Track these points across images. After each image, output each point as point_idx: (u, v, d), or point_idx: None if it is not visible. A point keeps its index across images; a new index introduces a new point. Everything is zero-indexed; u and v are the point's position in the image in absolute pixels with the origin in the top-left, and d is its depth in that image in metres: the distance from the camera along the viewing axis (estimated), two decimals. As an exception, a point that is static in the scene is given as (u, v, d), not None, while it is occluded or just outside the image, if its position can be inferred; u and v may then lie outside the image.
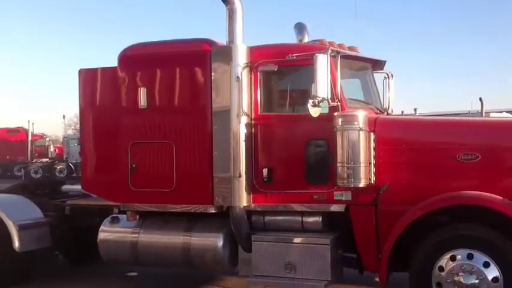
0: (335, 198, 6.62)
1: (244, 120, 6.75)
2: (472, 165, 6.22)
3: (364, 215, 6.50)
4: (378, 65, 7.77)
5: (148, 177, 7.20)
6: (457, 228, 5.99)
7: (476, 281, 5.71)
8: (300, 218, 6.82)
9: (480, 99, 26.47)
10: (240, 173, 6.69)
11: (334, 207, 6.63)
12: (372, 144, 6.44)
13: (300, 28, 8.41)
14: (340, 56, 6.69)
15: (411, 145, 6.54)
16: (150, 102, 7.15)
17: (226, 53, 6.77)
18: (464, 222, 6.04)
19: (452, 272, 5.81)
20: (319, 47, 6.59)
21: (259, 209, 6.93)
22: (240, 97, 6.70)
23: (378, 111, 7.22)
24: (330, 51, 6.23)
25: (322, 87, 6.12)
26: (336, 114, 6.33)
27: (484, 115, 25.42)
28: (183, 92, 7.11)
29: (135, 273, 8.89)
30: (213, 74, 6.82)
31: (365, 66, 7.57)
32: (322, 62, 6.10)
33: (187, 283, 8.07)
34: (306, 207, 6.75)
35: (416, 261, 6.01)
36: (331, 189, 6.58)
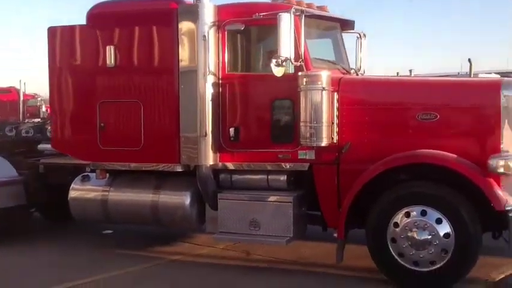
0: (299, 157, 6.75)
1: (211, 79, 6.83)
2: (431, 124, 6.33)
3: (327, 173, 6.64)
4: (347, 25, 7.81)
5: (116, 136, 7.33)
6: (411, 186, 6.16)
7: (429, 237, 5.89)
8: (265, 177, 6.97)
9: (469, 60, 26.41)
10: (206, 133, 6.80)
11: (298, 166, 6.79)
12: (336, 104, 6.55)
13: None
14: (307, 16, 6.73)
15: (373, 105, 6.64)
16: (117, 61, 7.21)
17: (192, 11, 6.80)
18: (422, 180, 6.21)
19: (406, 228, 5.99)
20: (285, 5, 6.62)
21: (226, 168, 7.09)
22: (206, 56, 6.75)
23: (345, 71, 7.28)
24: (293, 10, 6.25)
25: (285, 46, 6.17)
26: (300, 74, 6.41)
27: (472, 76, 25.54)
28: (150, 51, 7.16)
29: (110, 231, 9.10)
30: (179, 32, 6.86)
31: (333, 26, 7.61)
32: (285, 22, 6.14)
33: (159, 240, 8.26)
34: (271, 166, 6.90)
35: (372, 218, 6.19)
36: (296, 148, 6.72)
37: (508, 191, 6.01)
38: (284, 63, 6.29)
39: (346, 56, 7.78)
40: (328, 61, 7.30)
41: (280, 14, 6.16)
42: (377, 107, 6.63)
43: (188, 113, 6.88)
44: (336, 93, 6.54)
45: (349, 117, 6.60)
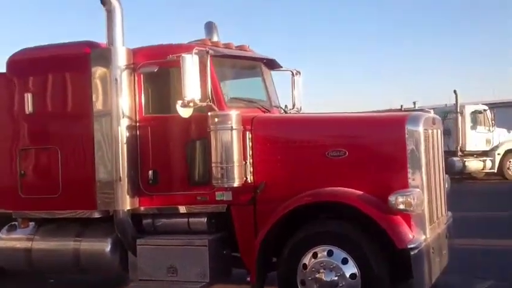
0: (217, 198, 6.84)
1: (125, 123, 6.96)
2: (340, 161, 6.44)
3: (244, 214, 6.72)
4: (271, 63, 8.02)
5: (36, 184, 7.45)
6: (319, 225, 6.22)
7: (335, 278, 5.92)
8: (186, 220, 7.06)
9: (454, 91, 26.86)
10: (120, 177, 6.92)
11: (216, 208, 6.88)
12: (249, 143, 6.70)
13: (209, 28, 8.63)
14: (218, 56, 6.96)
15: (285, 143, 6.76)
16: (35, 108, 7.38)
17: (105, 55, 6.97)
18: (335, 219, 6.30)
19: (313, 269, 6.03)
20: (191, 47, 6.79)
21: (147, 212, 7.19)
22: (118, 100, 6.92)
23: (265, 109, 7.44)
24: (195, 51, 6.43)
25: (189, 87, 6.34)
26: (209, 114, 6.56)
27: (458, 107, 25.86)
28: (66, 96, 7.36)
29: (52, 280, 9.11)
30: (92, 77, 7.04)
31: (255, 65, 7.80)
32: (187, 63, 6.31)
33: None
34: (189, 209, 7.00)
35: (282, 260, 6.24)
36: (213, 190, 6.83)
37: (419, 229, 6.13)
38: (190, 104, 6.46)
39: (273, 94, 7.97)
40: (248, 100, 7.47)
41: (183, 55, 6.34)
42: (289, 145, 6.75)
43: (102, 158, 6.99)
44: (249, 132, 6.70)
45: (262, 156, 6.72)
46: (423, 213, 6.20)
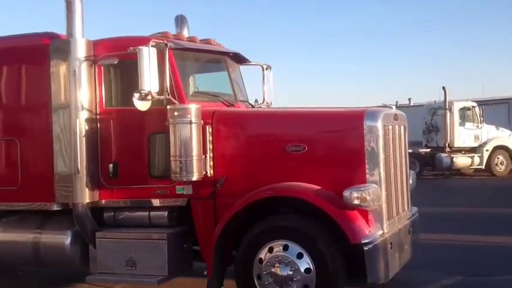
0: (177, 192, 6.84)
1: (84, 115, 6.93)
2: (300, 156, 6.46)
3: (204, 208, 6.73)
4: (238, 58, 8.03)
5: None
6: (272, 220, 6.24)
7: (290, 272, 5.94)
8: (147, 213, 7.08)
9: (443, 88, 26.95)
10: (78, 169, 6.92)
11: (176, 202, 6.89)
12: (209, 137, 6.71)
13: (179, 21, 8.57)
14: (182, 49, 6.96)
15: (246, 138, 6.79)
16: None
17: (64, 47, 6.94)
18: (291, 213, 6.33)
19: (269, 263, 6.05)
20: (148, 39, 6.78)
21: (108, 205, 7.19)
22: (77, 92, 6.91)
23: (229, 104, 7.43)
24: (151, 43, 6.41)
25: (145, 80, 6.33)
26: (168, 107, 6.56)
27: (447, 104, 25.94)
28: (25, 88, 7.33)
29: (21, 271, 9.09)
30: (51, 69, 7.01)
31: (218, 59, 7.80)
32: (144, 55, 6.30)
33: (68, 280, 8.28)
34: (150, 202, 7.00)
35: (239, 254, 6.27)
36: (173, 183, 6.84)
37: (376, 224, 6.16)
38: (148, 97, 6.46)
39: (239, 89, 7.98)
40: (212, 94, 7.47)
41: (139, 48, 6.32)
42: (249, 139, 6.77)
43: (60, 150, 6.98)
44: (209, 126, 6.71)
45: (223, 151, 6.73)
46: (381, 208, 6.23)
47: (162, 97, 6.52)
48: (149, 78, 6.32)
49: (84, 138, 6.96)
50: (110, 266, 6.94)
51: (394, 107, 6.92)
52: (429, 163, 26.15)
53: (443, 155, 25.54)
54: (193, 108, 6.52)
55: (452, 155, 25.48)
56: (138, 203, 7.06)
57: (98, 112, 7.11)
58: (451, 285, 7.71)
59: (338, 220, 5.86)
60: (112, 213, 7.21)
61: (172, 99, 6.61)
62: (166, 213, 6.97)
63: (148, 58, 6.32)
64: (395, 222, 6.61)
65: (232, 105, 7.46)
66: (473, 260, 9.18)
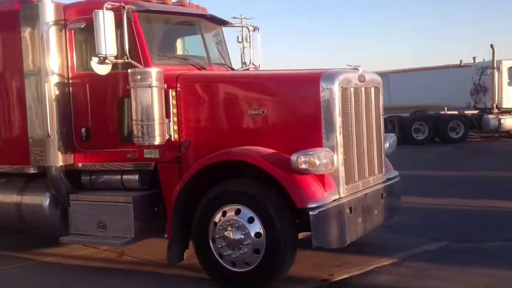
0: (145, 156, 7.05)
1: (55, 80, 7.20)
2: (259, 119, 6.53)
3: (170, 172, 6.91)
4: (216, 20, 8.07)
5: None
6: (226, 184, 6.35)
7: (242, 236, 6.07)
8: (119, 177, 7.35)
9: (491, 46, 25.88)
10: (48, 133, 7.21)
11: (144, 165, 7.11)
12: (172, 101, 6.84)
13: None
14: (147, 11, 7.07)
15: (209, 101, 6.85)
16: None
17: (32, 11, 7.18)
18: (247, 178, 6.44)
19: (221, 227, 6.20)
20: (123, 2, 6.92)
21: (84, 169, 7.49)
22: (45, 57, 7.15)
23: (200, 67, 7.51)
24: (106, 6, 6.48)
25: (101, 44, 6.45)
26: (129, 71, 6.68)
27: (495, 63, 24.97)
28: (1, 53, 7.66)
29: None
30: (22, 34, 7.29)
31: (191, 21, 7.85)
32: (99, 18, 6.40)
33: (44, 240, 8.70)
34: (120, 166, 7.26)
35: (195, 217, 6.43)
36: (141, 147, 7.04)
37: (331, 189, 6.19)
38: (106, 61, 6.62)
39: (214, 52, 8.04)
40: (182, 57, 7.57)
41: (95, 11, 6.45)
42: (212, 103, 6.85)
43: (33, 115, 7.32)
44: (172, 90, 6.83)
45: (187, 115, 6.86)
46: (337, 172, 6.24)
47: (121, 61, 6.66)
48: (104, 41, 6.45)
49: (55, 103, 7.24)
50: (83, 227, 7.27)
51: (360, 68, 6.79)
52: (475, 125, 25.43)
53: (490, 116, 24.79)
54: (153, 71, 6.64)
55: (500, 117, 24.70)
56: (110, 166, 7.32)
57: (70, 77, 7.35)
58: (433, 251, 7.65)
59: (284, 184, 5.92)
60: (88, 177, 7.51)
61: (134, 62, 6.74)
62: (137, 177, 7.20)
63: (103, 21, 6.43)
64: (358, 187, 6.60)
65: (204, 69, 7.53)
66: (468, 225, 9.06)
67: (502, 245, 7.81)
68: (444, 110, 26.04)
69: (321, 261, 7.13)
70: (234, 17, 68.21)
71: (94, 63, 6.65)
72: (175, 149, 6.89)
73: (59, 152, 7.31)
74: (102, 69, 6.70)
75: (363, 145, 6.75)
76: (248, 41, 8.81)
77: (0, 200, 7.96)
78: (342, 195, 6.26)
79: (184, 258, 6.75)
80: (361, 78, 6.73)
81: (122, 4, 6.66)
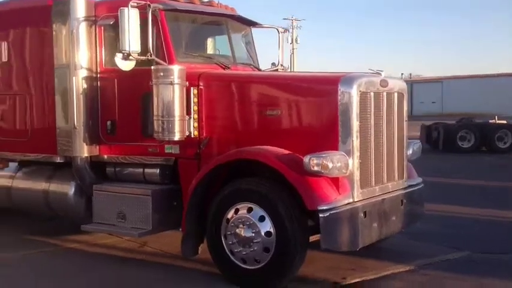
0: (165, 151, 7.22)
1: (83, 74, 7.44)
2: (276, 120, 6.60)
3: (189, 168, 7.04)
4: (245, 21, 8.18)
5: (10, 128, 8.21)
6: (240, 182, 6.42)
7: (252, 234, 6.14)
8: (142, 170, 7.53)
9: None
10: (75, 125, 7.45)
11: (165, 160, 7.27)
12: (193, 99, 6.97)
13: None
14: (175, 10, 7.24)
15: (229, 100, 6.96)
16: (9, 57, 8.07)
17: (64, 7, 7.44)
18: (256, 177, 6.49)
19: (233, 224, 6.29)
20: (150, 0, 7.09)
21: (110, 161, 7.71)
22: (74, 52, 7.40)
23: (224, 66, 7.60)
24: (131, 4, 6.63)
25: (125, 40, 6.63)
26: (152, 68, 6.85)
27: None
28: (34, 48, 7.98)
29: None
30: (54, 29, 7.55)
31: (218, 21, 7.98)
32: (124, 16, 6.58)
33: (70, 228, 8.98)
34: (142, 160, 7.44)
35: (210, 213, 6.52)
36: (162, 142, 7.19)
37: (345, 192, 6.19)
38: (130, 58, 6.80)
39: (242, 52, 8.16)
40: (207, 56, 7.69)
41: (121, 9, 6.62)
42: (231, 102, 6.95)
43: (61, 107, 7.59)
44: (194, 88, 6.96)
45: (208, 112, 6.98)
46: (351, 176, 6.24)
47: (144, 58, 6.83)
48: (128, 38, 6.61)
49: (82, 96, 7.48)
50: (105, 217, 7.50)
51: (383, 73, 6.76)
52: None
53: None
54: (176, 69, 6.78)
55: None
56: (133, 159, 7.51)
57: (98, 71, 7.58)
58: (454, 260, 7.56)
59: (296, 185, 5.96)
60: (113, 169, 7.74)
61: (157, 59, 6.91)
62: (158, 171, 7.37)
63: (127, 19, 6.60)
64: (374, 192, 6.58)
65: (229, 68, 7.64)
66: (497, 236, 8.91)
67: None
68: (494, 119, 25.47)
69: (336, 264, 7.13)
70: (285, 18, 69.77)
71: (118, 59, 6.84)
72: (195, 145, 7.02)
73: (84, 143, 7.55)
74: (126, 65, 6.89)
75: (382, 150, 6.71)
76: (278, 42, 8.85)
77: (29, 187, 8.28)
78: (356, 199, 6.26)
79: (199, 252, 6.87)
80: (383, 83, 6.70)
81: (148, 3, 6.82)
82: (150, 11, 6.82)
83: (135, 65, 7.04)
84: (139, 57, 6.80)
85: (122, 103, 7.52)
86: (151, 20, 6.89)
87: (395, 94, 6.94)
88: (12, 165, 8.67)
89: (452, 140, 24.14)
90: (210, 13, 7.84)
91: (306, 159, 5.95)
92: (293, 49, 71.53)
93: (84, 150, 7.58)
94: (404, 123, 7.18)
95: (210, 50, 8.02)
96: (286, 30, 8.83)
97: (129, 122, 7.50)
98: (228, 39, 7.99)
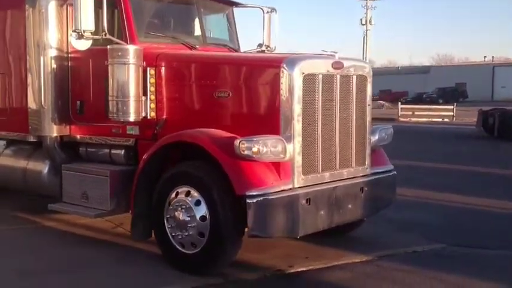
0: (127, 132, 7.33)
1: (53, 54, 7.63)
2: (225, 102, 6.55)
3: (147, 149, 7.08)
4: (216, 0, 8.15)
5: None
6: (180, 165, 6.42)
7: (188, 219, 6.13)
8: (108, 151, 7.68)
9: None
10: (42, 105, 7.66)
11: (126, 141, 7.36)
12: (150, 79, 7.01)
13: None
14: None
15: (183, 81, 6.96)
16: None
17: None
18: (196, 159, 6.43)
19: (171, 207, 6.30)
20: None
21: (81, 141, 7.90)
22: (43, 32, 7.58)
23: (191, 46, 7.59)
24: None
25: (78, 19, 6.68)
26: (108, 47, 6.94)
27: None
28: (11, 29, 8.24)
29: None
30: (26, 9, 7.76)
31: (188, 0, 7.95)
32: None
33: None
34: (106, 140, 7.57)
35: (154, 195, 6.56)
36: (124, 123, 7.28)
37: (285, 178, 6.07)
38: (85, 37, 6.87)
39: (209, 32, 8.12)
40: (171, 36, 7.68)
41: None
42: (185, 83, 6.95)
43: (32, 87, 7.82)
44: (151, 68, 7.00)
45: (163, 93, 7.02)
46: (292, 161, 6.12)
47: (99, 37, 6.91)
48: (80, 17, 6.68)
49: (50, 76, 7.68)
50: (71, 196, 7.69)
51: (337, 54, 6.52)
52: None
53: None
54: (131, 48, 6.84)
55: None
56: (99, 140, 7.66)
57: (68, 51, 7.74)
58: (422, 253, 7.28)
59: (226, 169, 5.89)
60: (85, 149, 7.92)
61: (113, 39, 6.98)
62: (123, 152, 7.48)
63: None
64: (323, 178, 6.42)
65: (195, 48, 7.61)
66: (479, 227, 8.59)
67: (497, 254, 7.29)
68: None
69: (291, 252, 7.04)
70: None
71: (73, 38, 6.97)
72: (153, 126, 7.08)
73: (53, 123, 7.77)
74: (81, 45, 7.01)
75: (333, 135, 6.53)
76: (263, 22, 8.74)
77: (11, 165, 8.60)
78: (296, 186, 6.14)
79: (153, 235, 6.94)
80: (337, 65, 6.49)
81: None
82: None
83: (102, 45, 7.12)
84: (93, 36, 6.87)
85: (89, 83, 7.65)
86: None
87: (354, 77, 6.72)
88: (1, 143, 9.01)
89: (509, 127, 23.11)
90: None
91: (236, 142, 5.87)
92: (366, 31, 70.36)
93: (53, 130, 7.80)
94: (367, 107, 6.95)
95: (179, 30, 7.99)
96: (273, 9, 8.67)
97: (95, 102, 7.62)
98: (199, 19, 7.94)
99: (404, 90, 75.99)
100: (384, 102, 58.08)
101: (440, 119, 36.72)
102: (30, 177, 8.32)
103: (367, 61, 67.50)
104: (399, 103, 42.04)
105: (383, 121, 35.99)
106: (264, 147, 5.86)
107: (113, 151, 7.58)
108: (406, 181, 10.34)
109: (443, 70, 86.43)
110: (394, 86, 78.41)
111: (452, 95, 67.34)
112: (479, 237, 8.08)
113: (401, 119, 36.51)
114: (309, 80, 6.21)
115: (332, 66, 6.45)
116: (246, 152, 5.84)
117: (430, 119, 36.53)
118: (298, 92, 6.11)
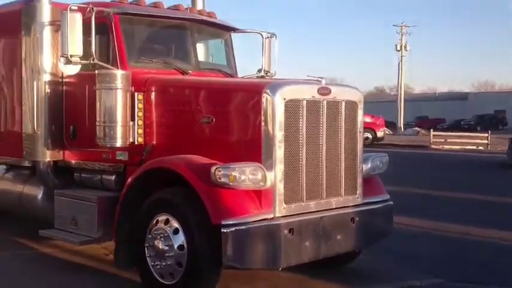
0: (117, 157, 7.26)
1: (47, 78, 7.65)
2: (209, 128, 6.45)
3: None
4: (222, 26, 8.09)
5: None
6: (160, 192, 6.28)
7: (166, 248, 5.96)
8: (100, 176, 7.61)
9: None
10: (35, 130, 7.66)
11: (115, 167, 7.28)
12: (138, 104, 6.94)
13: None
14: (131, 14, 7.27)
15: (169, 106, 6.89)
16: None
17: (30, 11, 7.67)
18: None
19: (151, 236, 6.15)
20: (104, 4, 7.20)
21: (75, 166, 7.85)
22: (38, 56, 7.60)
23: (183, 72, 7.51)
24: (70, 8, 6.66)
25: (64, 44, 6.68)
26: (96, 72, 6.90)
27: None
28: (8, 52, 8.28)
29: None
30: (22, 33, 7.82)
31: (182, 25, 7.87)
32: (64, 20, 6.65)
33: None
34: (97, 166, 7.50)
35: (135, 222, 6.41)
36: (114, 149, 7.19)
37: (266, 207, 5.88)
38: (72, 62, 6.84)
39: (206, 57, 8.06)
40: (163, 62, 7.63)
41: (63, 12, 6.68)
42: (172, 108, 6.87)
43: (26, 112, 7.84)
44: (138, 94, 6.93)
45: (151, 119, 6.96)
46: (274, 190, 5.92)
47: (87, 62, 6.87)
48: (67, 42, 6.66)
49: (44, 100, 7.68)
50: (62, 222, 7.62)
51: (323, 80, 6.34)
52: None
53: None
54: (118, 74, 6.81)
55: None
56: (91, 165, 7.60)
57: (63, 76, 7.75)
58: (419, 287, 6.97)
59: (203, 197, 5.74)
60: (79, 174, 7.87)
61: (102, 64, 6.94)
62: (113, 178, 7.40)
63: (67, 22, 6.64)
64: (308, 207, 6.20)
65: (188, 74, 7.52)
66: (476, 260, 8.21)
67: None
68: None
69: (280, 283, 6.82)
70: (395, 25, 67.92)
71: (61, 63, 6.96)
72: (141, 152, 6.99)
73: (46, 148, 7.76)
74: (69, 70, 7.00)
75: (320, 163, 6.32)
76: (262, 47, 8.63)
77: (9, 189, 8.61)
78: (278, 215, 5.94)
79: None
80: (323, 91, 6.30)
81: (90, 6, 6.87)
82: (93, 15, 6.84)
83: (92, 70, 7.05)
84: (81, 61, 6.85)
85: (81, 108, 7.61)
86: (105, 24, 7.02)
87: (343, 103, 6.52)
88: (2, 167, 9.05)
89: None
90: (170, 17, 7.74)
91: (212, 169, 5.72)
92: (401, 56, 69.85)
93: (46, 155, 7.79)
94: (358, 134, 6.73)
95: (173, 55, 7.93)
96: (273, 35, 8.57)
97: (87, 127, 7.54)
98: (192, 44, 7.86)
99: (442, 117, 75.00)
100: (419, 129, 57.41)
101: (474, 147, 35.86)
102: (25, 202, 8.33)
103: (402, 87, 67.59)
104: (431, 130, 41.33)
105: (413, 148, 35.74)
106: (241, 174, 5.70)
107: (104, 177, 7.51)
108: (419, 210, 9.99)
109: (482, 96, 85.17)
110: (432, 113, 77.47)
111: (491, 122, 66.16)
112: (485, 272, 7.69)
113: (433, 146, 35.88)
114: (292, 105, 6.05)
115: (318, 92, 6.27)
116: (222, 180, 5.69)
117: (463, 147, 35.72)
118: (280, 118, 5.94)
